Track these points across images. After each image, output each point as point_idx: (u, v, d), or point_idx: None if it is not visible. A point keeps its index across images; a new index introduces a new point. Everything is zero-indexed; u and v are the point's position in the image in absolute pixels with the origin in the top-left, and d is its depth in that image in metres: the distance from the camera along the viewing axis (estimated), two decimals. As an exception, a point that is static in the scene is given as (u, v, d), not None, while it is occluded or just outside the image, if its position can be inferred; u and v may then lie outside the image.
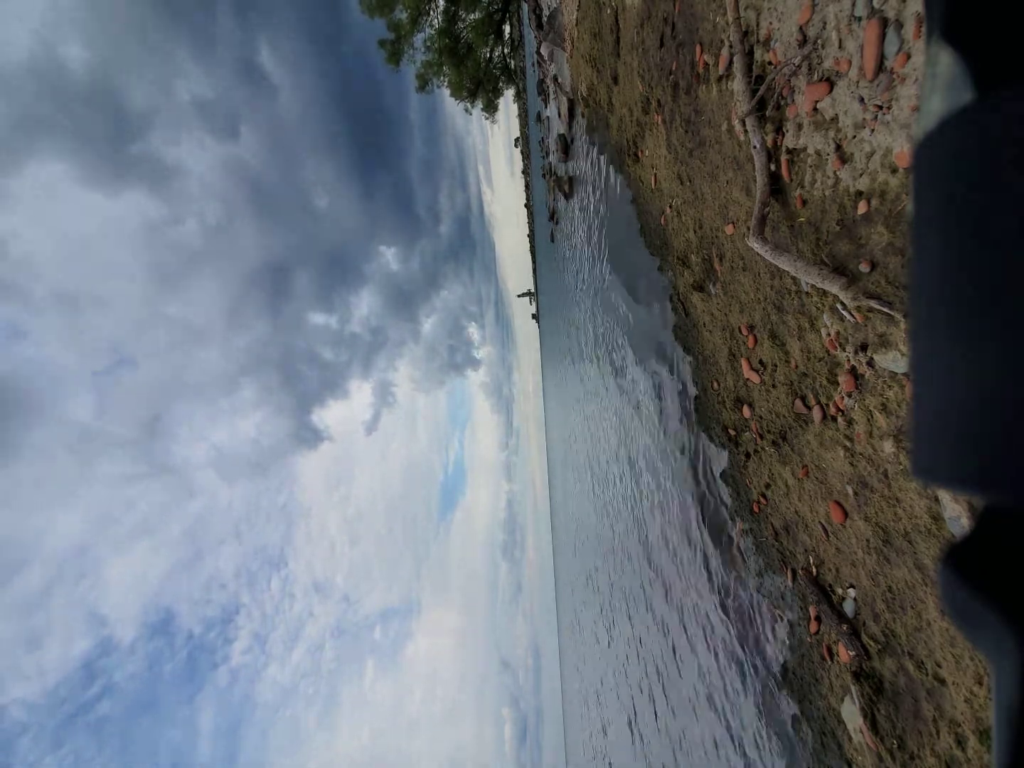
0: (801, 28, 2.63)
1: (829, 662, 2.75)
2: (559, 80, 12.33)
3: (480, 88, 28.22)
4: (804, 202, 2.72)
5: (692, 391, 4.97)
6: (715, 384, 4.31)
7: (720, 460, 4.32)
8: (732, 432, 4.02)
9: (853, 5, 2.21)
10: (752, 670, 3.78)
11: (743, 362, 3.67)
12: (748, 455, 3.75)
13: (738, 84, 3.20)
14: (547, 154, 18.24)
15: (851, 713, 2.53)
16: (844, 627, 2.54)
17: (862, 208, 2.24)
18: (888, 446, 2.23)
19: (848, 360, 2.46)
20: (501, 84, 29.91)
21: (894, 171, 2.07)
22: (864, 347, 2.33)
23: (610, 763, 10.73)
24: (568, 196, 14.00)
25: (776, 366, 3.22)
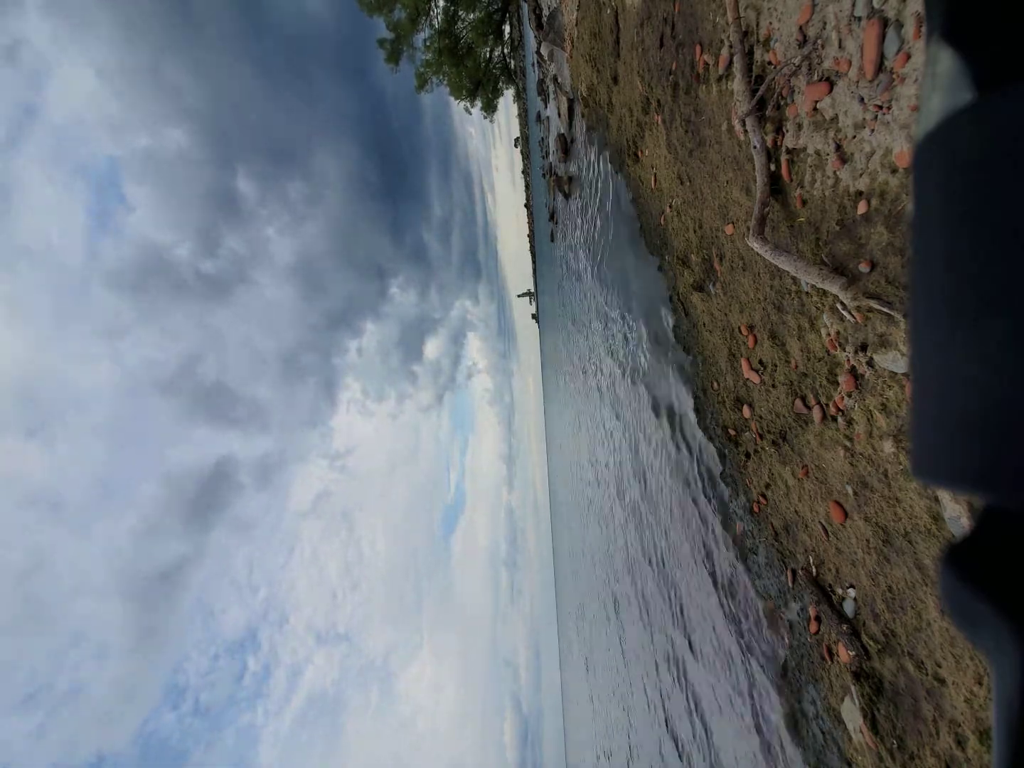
0: (801, 28, 2.63)
1: (829, 662, 2.75)
2: (559, 80, 12.33)
3: (480, 88, 28.28)
4: (804, 202, 2.72)
5: (692, 391, 4.97)
6: (715, 384, 4.31)
7: (720, 460, 4.32)
8: (732, 432, 4.01)
9: (853, 5, 2.21)
10: (751, 670, 3.78)
11: (743, 362, 3.67)
12: (748, 455, 3.75)
13: (738, 84, 3.20)
14: (547, 154, 18.24)
15: (851, 713, 2.53)
16: (844, 627, 2.54)
17: (862, 208, 2.24)
18: (888, 446, 2.23)
19: (848, 360, 2.46)
20: (501, 84, 29.98)
21: (894, 171, 2.07)
22: (864, 347, 2.33)
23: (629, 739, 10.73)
24: (568, 196, 13.99)
25: (776, 366, 3.22)
